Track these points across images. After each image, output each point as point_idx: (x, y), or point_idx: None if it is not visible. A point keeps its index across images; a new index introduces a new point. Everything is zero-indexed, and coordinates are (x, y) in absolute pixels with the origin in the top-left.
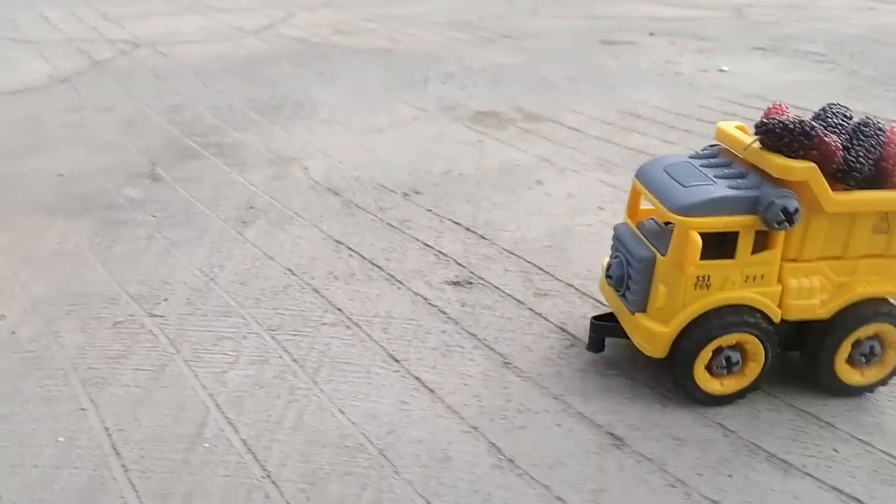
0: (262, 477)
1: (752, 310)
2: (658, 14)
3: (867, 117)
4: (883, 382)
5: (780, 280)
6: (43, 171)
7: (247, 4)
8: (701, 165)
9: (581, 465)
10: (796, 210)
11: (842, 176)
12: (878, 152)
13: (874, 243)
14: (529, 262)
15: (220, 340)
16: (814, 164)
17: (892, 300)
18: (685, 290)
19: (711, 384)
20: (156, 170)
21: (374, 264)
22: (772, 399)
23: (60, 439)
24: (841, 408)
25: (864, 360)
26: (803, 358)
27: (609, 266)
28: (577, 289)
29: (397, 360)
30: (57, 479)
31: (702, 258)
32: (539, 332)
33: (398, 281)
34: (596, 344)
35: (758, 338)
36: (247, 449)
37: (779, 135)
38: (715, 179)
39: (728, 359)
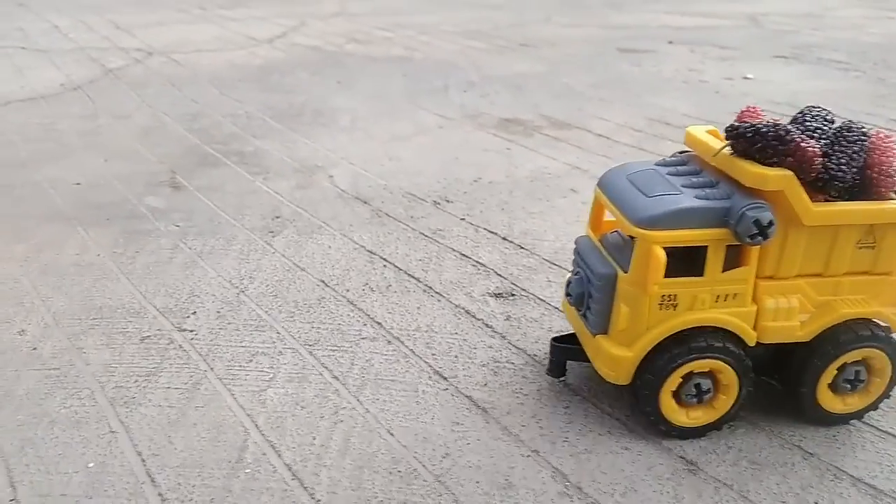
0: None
1: (724, 333)
2: (674, 23)
3: (850, 121)
4: (870, 409)
5: (755, 299)
6: (59, 180)
7: (258, 14)
8: (668, 174)
9: (655, 492)
10: (770, 223)
11: (822, 185)
12: (861, 159)
13: (859, 259)
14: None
15: (255, 356)
16: (790, 172)
17: (879, 321)
18: (649, 310)
19: (679, 415)
20: (176, 178)
21: (410, 275)
22: None
23: (90, 465)
24: None
25: (848, 386)
26: (782, 384)
27: (569, 283)
28: None
29: (445, 378)
30: None
31: (668, 276)
32: None
33: (437, 293)
34: (556, 368)
35: (729, 364)
36: (292, 475)
37: (751, 139)
38: (682, 189)
39: (698, 386)
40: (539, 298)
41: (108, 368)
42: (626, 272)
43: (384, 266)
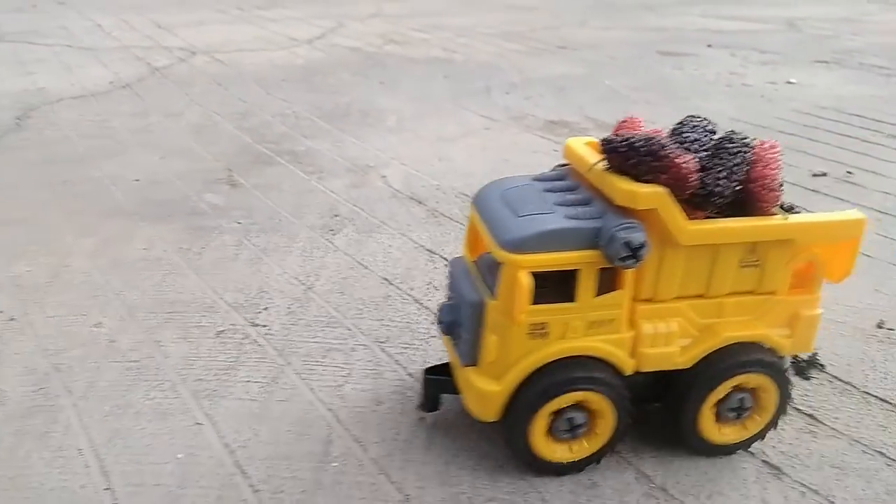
0: (402, 501)
1: (599, 362)
2: (712, 26)
3: (732, 132)
4: (756, 439)
5: (632, 325)
6: (118, 177)
7: (295, 14)
8: (544, 189)
9: (741, 495)
10: (642, 244)
11: (700, 201)
12: (743, 172)
13: (743, 279)
14: None
15: (329, 352)
16: (663, 189)
17: (765, 344)
18: (518, 340)
19: (552, 451)
20: (233, 176)
21: None
22: None
23: (179, 456)
24: None
25: (733, 414)
26: (665, 411)
27: (440, 309)
28: None
29: None
30: (182, 499)
31: (538, 302)
32: None
33: None
34: (429, 403)
35: (604, 395)
36: (379, 469)
37: (624, 154)
38: (554, 207)
39: (571, 420)
40: None
41: (187, 361)
42: (494, 299)
43: (445, 265)
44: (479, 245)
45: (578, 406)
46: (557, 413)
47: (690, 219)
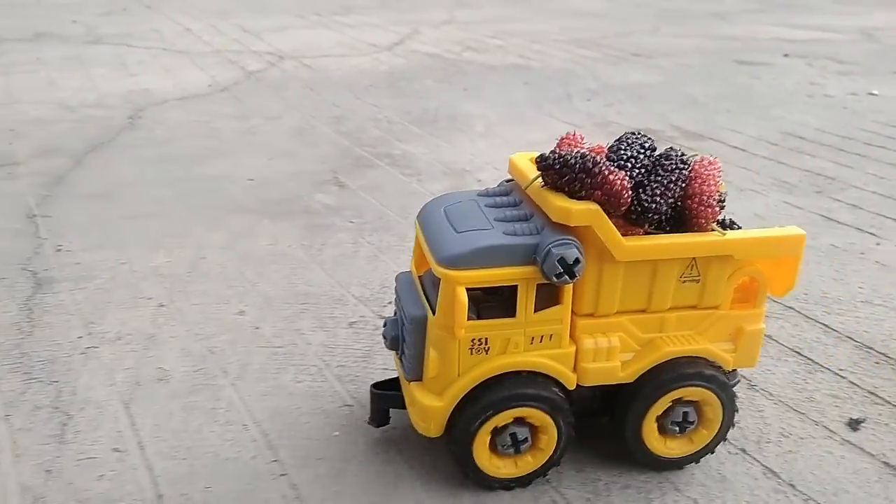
0: (545, 481)
1: (542, 377)
2: (785, 35)
3: (670, 148)
4: (705, 452)
5: (573, 339)
6: (233, 176)
7: (371, 21)
8: (485, 205)
9: (866, 493)
10: (577, 261)
11: (636, 218)
12: (679, 189)
13: (684, 293)
14: None
15: None
16: (596, 206)
17: (708, 358)
18: (459, 355)
19: (496, 467)
20: (338, 178)
21: None
22: None
23: (336, 433)
24: None
25: (677, 428)
26: (613, 424)
27: (385, 324)
28: (797, 311)
29: None
30: (346, 472)
31: (482, 317)
32: (775, 355)
33: None
34: (378, 417)
35: (545, 411)
36: None
37: (559, 171)
38: (493, 223)
39: (514, 436)
40: None
41: (328, 349)
42: (434, 314)
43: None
44: (423, 261)
45: (521, 421)
46: (501, 428)
47: (629, 234)
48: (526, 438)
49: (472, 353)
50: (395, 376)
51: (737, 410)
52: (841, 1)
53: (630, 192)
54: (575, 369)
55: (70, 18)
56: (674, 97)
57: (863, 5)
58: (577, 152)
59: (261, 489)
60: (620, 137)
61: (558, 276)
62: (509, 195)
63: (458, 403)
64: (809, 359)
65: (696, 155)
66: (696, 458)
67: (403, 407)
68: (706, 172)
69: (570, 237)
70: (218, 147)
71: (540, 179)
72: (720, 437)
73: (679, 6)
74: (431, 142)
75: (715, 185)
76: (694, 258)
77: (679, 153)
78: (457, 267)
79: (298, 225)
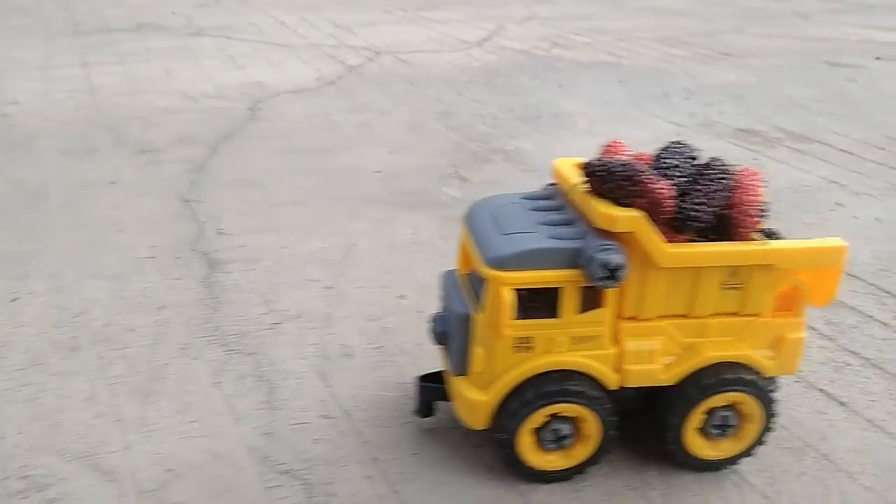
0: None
1: (585, 376)
2: (875, 38)
3: (714, 158)
4: (744, 455)
5: (616, 341)
6: (359, 168)
7: (455, 16)
8: (530, 208)
9: None
10: (620, 266)
11: (679, 225)
12: (723, 198)
13: (725, 300)
14: (872, 284)
15: None
16: (640, 214)
17: (748, 364)
18: (504, 353)
19: (538, 459)
20: (459, 171)
21: None
22: None
23: None
24: None
25: (717, 431)
26: (651, 425)
27: (433, 320)
28: None
29: None
30: None
31: (527, 317)
32: None
33: None
34: (423, 408)
35: (588, 407)
36: None
37: (603, 178)
38: (538, 226)
39: (556, 431)
40: (850, 307)
41: None
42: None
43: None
44: (469, 260)
45: (564, 418)
46: (544, 424)
47: (672, 241)
48: (569, 434)
49: (516, 352)
50: (441, 369)
51: (775, 415)
52: None
53: (673, 201)
54: (617, 370)
55: (168, 10)
56: (772, 98)
57: None
58: (622, 160)
59: (463, 456)
60: (665, 146)
61: (601, 280)
62: (552, 199)
63: (502, 399)
64: None
65: (739, 165)
66: (733, 461)
67: (448, 399)
68: (749, 182)
69: (613, 242)
70: (339, 140)
71: (584, 185)
72: (758, 440)
73: (760, 5)
74: (539, 139)
75: (757, 194)
76: (736, 266)
77: (721, 163)
78: (502, 268)
79: (433, 216)
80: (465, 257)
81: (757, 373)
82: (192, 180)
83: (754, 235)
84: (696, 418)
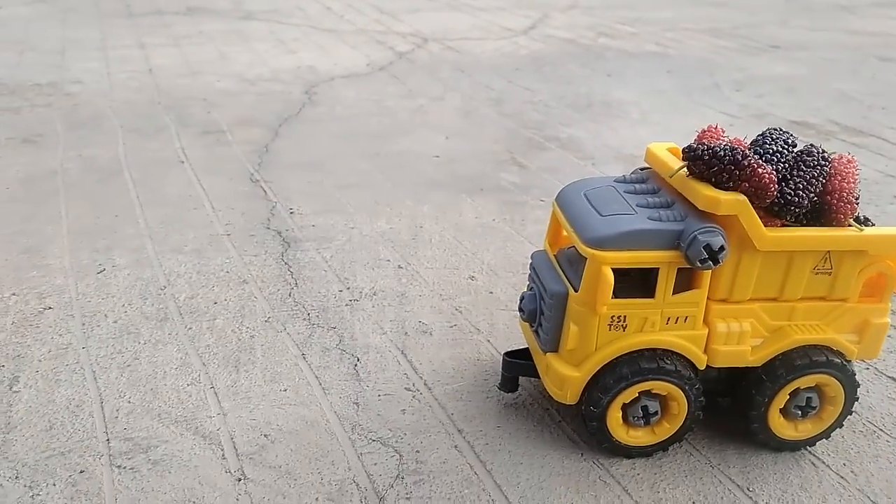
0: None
1: (674, 355)
2: None
3: (811, 145)
4: (822, 437)
5: (706, 322)
6: (418, 153)
7: (498, 4)
8: (625, 192)
9: None
10: (721, 248)
11: (778, 210)
12: (820, 185)
13: (815, 285)
14: None
15: None
16: (743, 197)
17: (834, 347)
18: (599, 330)
19: (625, 435)
20: (516, 158)
21: None
22: None
23: None
24: None
25: (799, 412)
26: (735, 406)
27: (522, 298)
28: None
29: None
30: None
31: (621, 296)
32: None
33: None
34: (508, 383)
35: (678, 386)
36: None
37: (707, 162)
38: (636, 209)
39: (645, 408)
40: None
41: None
42: (577, 290)
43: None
44: (559, 240)
45: (652, 395)
46: (633, 400)
47: (767, 226)
48: (657, 411)
49: (610, 329)
50: (526, 346)
51: (857, 399)
52: None
53: (776, 186)
54: (706, 351)
55: None
56: (823, 92)
57: None
58: (727, 145)
59: (545, 430)
60: (763, 132)
61: (703, 261)
62: (646, 183)
63: (594, 375)
64: None
65: (836, 153)
66: (812, 441)
67: (533, 375)
68: (846, 170)
69: (715, 225)
70: (395, 125)
71: (685, 169)
72: (838, 422)
73: None
74: (593, 127)
75: (854, 182)
76: (829, 251)
77: (820, 150)
78: (604, 248)
79: (495, 200)
80: (554, 236)
81: (842, 356)
82: (258, 161)
83: (849, 222)
84: (781, 398)
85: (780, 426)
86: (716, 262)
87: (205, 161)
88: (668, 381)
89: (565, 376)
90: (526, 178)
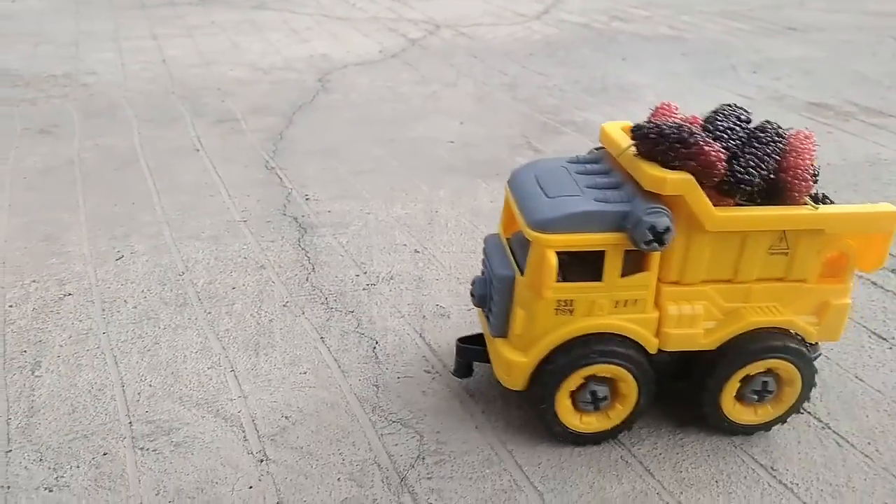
0: (831, 431)
1: (624, 339)
2: None
3: (766, 121)
4: (778, 421)
5: (657, 305)
6: (432, 138)
7: None
8: (576, 172)
9: None
10: (667, 229)
11: (728, 189)
12: (773, 162)
13: (771, 265)
14: None
15: None
16: (690, 176)
17: (791, 330)
18: (545, 315)
19: (574, 420)
20: (531, 142)
21: None
22: None
23: None
24: None
25: (755, 397)
26: (688, 390)
27: (473, 282)
28: None
29: None
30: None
31: (569, 279)
32: None
33: None
34: (462, 369)
35: (628, 371)
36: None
37: (654, 141)
38: (584, 190)
39: (594, 393)
40: None
41: None
42: (523, 275)
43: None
44: (512, 223)
45: (602, 380)
46: (582, 385)
47: (719, 205)
48: (606, 396)
49: (557, 314)
50: (480, 332)
51: (815, 385)
52: None
53: (724, 164)
54: (657, 334)
55: None
56: (842, 73)
57: None
58: (673, 123)
59: None
60: (717, 109)
61: (648, 243)
62: (599, 163)
63: (540, 360)
64: None
65: (792, 129)
66: (768, 426)
67: (486, 361)
68: (801, 146)
69: (661, 206)
70: (409, 111)
71: (633, 148)
72: (795, 407)
73: None
74: (608, 111)
75: (810, 158)
76: (784, 231)
77: (774, 126)
78: (547, 231)
79: None
80: (507, 220)
81: (799, 339)
82: (273, 149)
83: (805, 200)
84: (734, 383)
85: (735, 411)
86: (662, 243)
87: (220, 149)
88: (616, 364)
89: (513, 362)
90: None
